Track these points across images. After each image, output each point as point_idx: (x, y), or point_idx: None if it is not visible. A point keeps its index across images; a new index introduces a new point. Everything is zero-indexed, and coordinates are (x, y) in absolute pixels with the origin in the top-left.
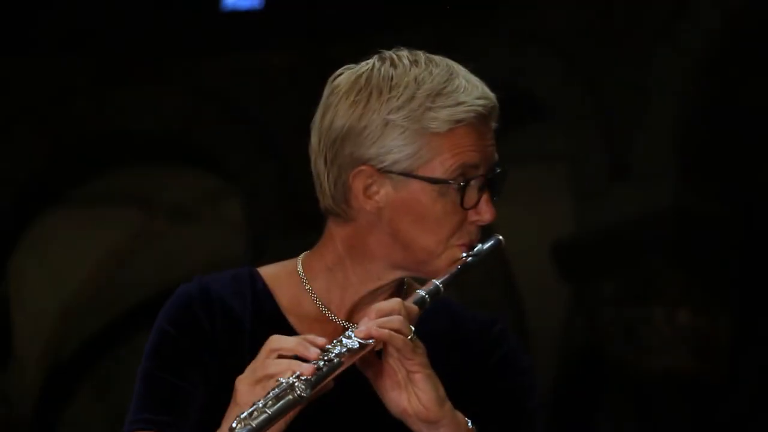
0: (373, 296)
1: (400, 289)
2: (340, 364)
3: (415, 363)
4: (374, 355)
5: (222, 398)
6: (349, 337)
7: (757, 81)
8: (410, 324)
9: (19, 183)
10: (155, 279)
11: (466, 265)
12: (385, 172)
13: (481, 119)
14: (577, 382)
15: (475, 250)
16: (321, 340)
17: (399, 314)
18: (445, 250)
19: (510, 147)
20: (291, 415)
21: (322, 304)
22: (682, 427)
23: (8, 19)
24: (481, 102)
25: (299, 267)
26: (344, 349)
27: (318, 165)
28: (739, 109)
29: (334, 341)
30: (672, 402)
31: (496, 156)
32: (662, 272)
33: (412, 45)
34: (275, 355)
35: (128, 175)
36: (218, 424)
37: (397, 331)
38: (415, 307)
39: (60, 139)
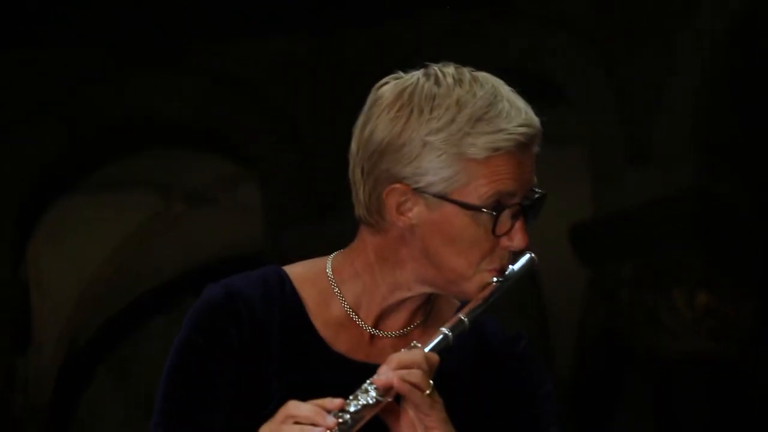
0: (401, 305)
1: (428, 302)
2: (356, 422)
3: (433, 419)
4: (394, 401)
5: (244, 406)
6: (366, 391)
7: None
8: (430, 376)
9: (38, 168)
10: (173, 264)
11: (494, 291)
12: (419, 192)
13: (521, 147)
14: (596, 365)
15: (507, 273)
16: (337, 402)
17: (420, 368)
18: (476, 274)
19: None
20: None
21: (350, 308)
22: (702, 411)
23: (26, 4)
24: (522, 130)
25: (328, 269)
26: (360, 407)
27: (355, 173)
28: (759, 92)
29: (350, 397)
30: (692, 385)
31: (535, 179)
32: (681, 255)
33: (432, 30)
34: (291, 421)
35: (147, 160)
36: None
37: (416, 386)
38: (436, 357)
39: (79, 124)
